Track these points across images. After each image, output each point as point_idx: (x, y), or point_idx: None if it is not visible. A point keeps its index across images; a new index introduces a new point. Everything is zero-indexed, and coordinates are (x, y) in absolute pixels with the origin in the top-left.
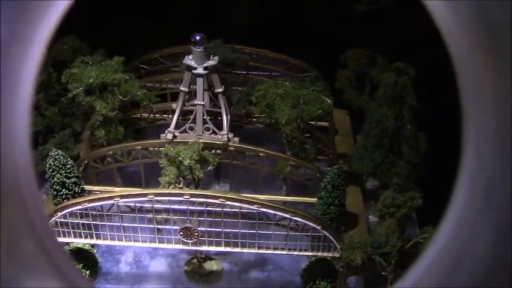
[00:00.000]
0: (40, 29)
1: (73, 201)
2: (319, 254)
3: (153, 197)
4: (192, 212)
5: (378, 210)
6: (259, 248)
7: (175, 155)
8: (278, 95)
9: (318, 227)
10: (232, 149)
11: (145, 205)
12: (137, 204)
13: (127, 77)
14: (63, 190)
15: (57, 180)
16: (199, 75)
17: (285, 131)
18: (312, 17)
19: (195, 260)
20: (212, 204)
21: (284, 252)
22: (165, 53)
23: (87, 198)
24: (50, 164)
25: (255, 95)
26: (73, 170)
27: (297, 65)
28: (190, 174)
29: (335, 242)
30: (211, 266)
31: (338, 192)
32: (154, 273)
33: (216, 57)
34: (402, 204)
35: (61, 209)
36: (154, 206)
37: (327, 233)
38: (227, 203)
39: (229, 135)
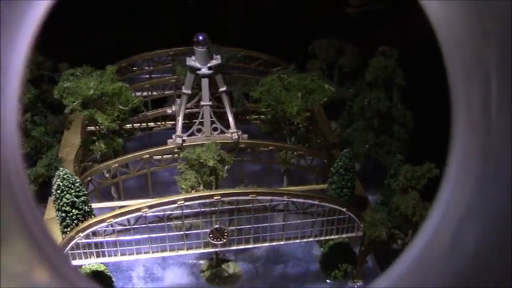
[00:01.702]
0: (24, 26)
1: (97, 219)
2: (344, 235)
3: (183, 202)
4: (221, 212)
5: (401, 184)
6: (287, 239)
7: (197, 158)
8: (284, 87)
9: (344, 209)
10: (243, 145)
11: (174, 212)
12: (166, 212)
13: (127, 85)
14: (73, 211)
15: (67, 201)
16: (204, 76)
17: (295, 122)
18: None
19: (211, 264)
20: (241, 201)
21: (311, 239)
22: (133, 60)
23: (113, 214)
24: (59, 185)
25: (258, 91)
26: (81, 188)
27: (268, 61)
28: (210, 176)
29: (358, 221)
30: (229, 267)
31: (350, 175)
32: (172, 283)
33: (219, 56)
34: (422, 176)
35: (83, 230)
36: (184, 211)
37: (352, 214)
38: (258, 198)
39: (238, 133)
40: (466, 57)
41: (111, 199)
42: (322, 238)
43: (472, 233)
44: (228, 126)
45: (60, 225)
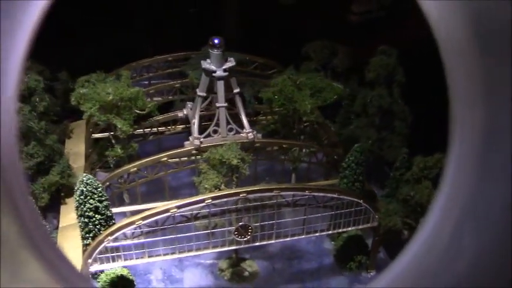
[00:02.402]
0: (23, 25)
1: (126, 222)
2: (360, 226)
3: (210, 201)
4: (246, 209)
5: (415, 174)
6: (307, 233)
7: (220, 157)
8: (296, 86)
9: (361, 201)
10: (258, 144)
11: (202, 211)
12: (193, 212)
13: (143, 90)
14: (96, 216)
15: (90, 206)
16: (220, 78)
17: (304, 120)
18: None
19: (231, 263)
20: (265, 198)
21: (329, 232)
22: (132, 67)
23: (141, 216)
24: (82, 190)
25: (270, 91)
26: (103, 193)
27: (264, 63)
28: (233, 175)
29: (373, 212)
30: (247, 265)
31: (361, 168)
32: (192, 284)
33: (232, 59)
34: (433, 166)
35: (112, 233)
36: (211, 210)
37: (368, 206)
38: (282, 193)
39: (253, 132)
40: (465, 57)
41: (122, 204)
42: (340, 230)
43: (469, 234)
44: (241, 127)
45: (82, 231)
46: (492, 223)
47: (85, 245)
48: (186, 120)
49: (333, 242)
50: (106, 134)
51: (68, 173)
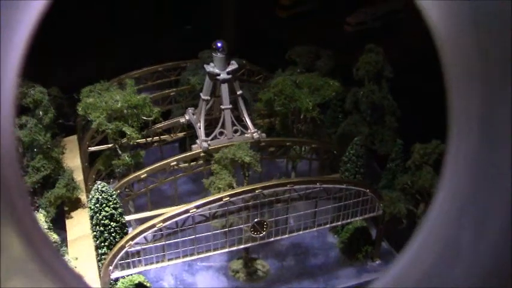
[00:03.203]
0: (20, 29)
1: (147, 225)
2: (367, 215)
3: (228, 198)
4: (261, 205)
5: (416, 161)
6: (318, 225)
7: (232, 156)
8: (296, 85)
9: (367, 191)
10: (264, 144)
11: (219, 209)
12: (212, 211)
13: (150, 97)
14: (112, 223)
15: (106, 214)
16: (224, 81)
17: (309, 116)
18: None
19: (241, 264)
20: (280, 192)
21: (339, 223)
22: (122, 79)
23: (161, 218)
24: (97, 198)
25: (270, 92)
26: (118, 201)
27: (250, 69)
28: (244, 173)
29: (378, 201)
30: (258, 264)
31: (362, 161)
32: (206, 286)
33: (234, 62)
34: (432, 152)
35: (133, 238)
36: (228, 208)
37: (374, 195)
38: (295, 187)
39: (258, 132)
40: (464, 57)
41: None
42: (349, 220)
43: (467, 237)
44: (244, 128)
45: (97, 240)
46: (489, 226)
47: (101, 255)
48: (187, 126)
49: (335, 236)
50: (104, 147)
51: (73, 185)
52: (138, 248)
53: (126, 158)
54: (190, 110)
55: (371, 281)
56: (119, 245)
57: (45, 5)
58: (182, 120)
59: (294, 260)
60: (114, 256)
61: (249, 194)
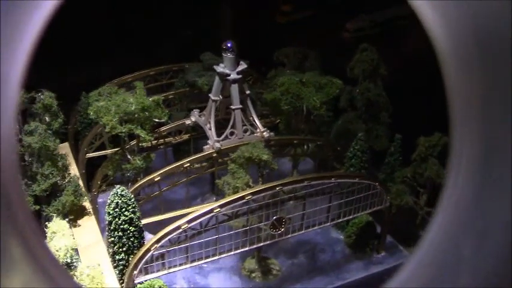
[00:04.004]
0: (28, 27)
1: (172, 227)
2: (375, 208)
3: (250, 197)
4: (281, 202)
5: (421, 154)
6: (332, 220)
7: (250, 155)
8: (302, 83)
9: (377, 184)
10: (273, 142)
11: (241, 208)
12: (234, 210)
13: (161, 98)
14: (131, 228)
15: (125, 218)
16: (234, 81)
17: (317, 114)
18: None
19: (255, 263)
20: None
21: (351, 217)
22: (114, 84)
23: (186, 219)
24: (117, 203)
25: (277, 91)
26: (135, 204)
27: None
28: (263, 172)
29: (386, 194)
30: (269, 263)
31: (366, 156)
32: (220, 285)
33: (243, 62)
34: (436, 144)
35: (158, 240)
36: (251, 206)
37: (382, 189)
38: (312, 183)
39: (267, 131)
40: (464, 61)
41: None
42: (359, 214)
43: (470, 247)
44: (253, 127)
45: (115, 246)
46: (492, 235)
47: (118, 260)
48: (191, 129)
49: (339, 231)
50: (102, 152)
51: (80, 192)
52: (162, 250)
53: (138, 161)
54: (195, 111)
55: (379, 272)
56: (144, 248)
57: (55, 5)
58: (188, 122)
59: (303, 257)
60: (139, 260)
61: (270, 192)
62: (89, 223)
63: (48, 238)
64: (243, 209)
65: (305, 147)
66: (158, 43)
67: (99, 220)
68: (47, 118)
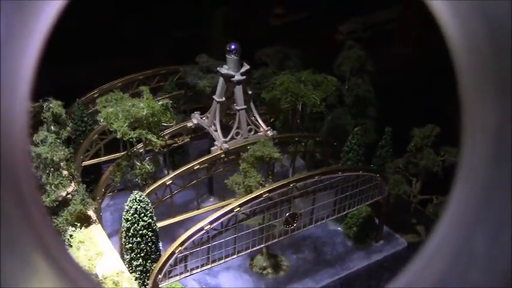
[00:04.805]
0: (38, 26)
1: (195, 229)
2: (375, 199)
3: (267, 195)
4: (293, 198)
5: (417, 144)
6: (338, 212)
7: (262, 154)
8: (301, 82)
9: (377, 175)
10: (277, 141)
11: (258, 207)
12: (252, 208)
13: (170, 102)
14: (149, 233)
15: (144, 224)
16: (239, 82)
17: (317, 111)
18: None
19: (266, 260)
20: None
21: (354, 208)
22: (103, 90)
23: (208, 220)
24: (136, 208)
25: (277, 90)
26: (152, 210)
27: None
28: (269, 169)
29: (385, 185)
30: (278, 259)
31: (363, 149)
32: (232, 284)
33: (245, 63)
34: (430, 134)
35: (182, 243)
36: (267, 203)
37: (382, 180)
38: (321, 178)
39: (270, 129)
40: (478, 60)
41: None
42: (362, 205)
43: (482, 241)
44: (256, 126)
45: (132, 252)
46: (504, 231)
47: (135, 266)
48: (193, 131)
49: (337, 224)
50: (96, 160)
51: (87, 200)
52: (186, 253)
53: (147, 165)
54: (196, 113)
55: (380, 259)
56: (168, 252)
57: (62, 6)
58: (189, 124)
59: (306, 251)
60: (164, 264)
61: (285, 189)
62: (96, 231)
63: (74, 248)
64: (260, 207)
65: (302, 144)
66: (148, 45)
67: (104, 227)
68: (52, 127)
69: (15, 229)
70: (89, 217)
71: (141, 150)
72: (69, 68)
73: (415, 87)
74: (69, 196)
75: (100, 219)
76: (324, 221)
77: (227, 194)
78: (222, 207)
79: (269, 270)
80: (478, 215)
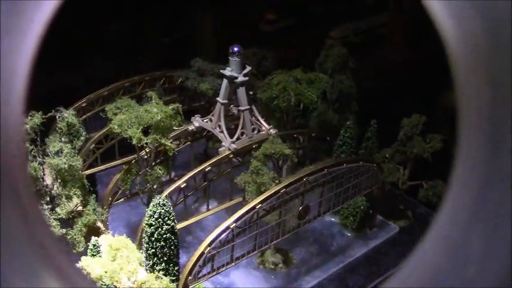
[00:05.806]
0: (33, 24)
1: (222, 228)
2: (371, 188)
3: (284, 190)
4: (305, 192)
5: (408, 133)
6: (342, 203)
7: (274, 151)
8: (297, 81)
9: (374, 165)
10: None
11: (276, 202)
12: (271, 204)
13: (180, 105)
14: (172, 237)
15: (168, 228)
16: (242, 83)
17: (314, 108)
18: None
19: (277, 256)
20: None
21: (354, 198)
22: (91, 99)
23: (232, 219)
24: (160, 213)
25: (275, 90)
26: (174, 213)
27: None
28: (279, 167)
29: (380, 174)
30: (286, 254)
31: (355, 142)
32: (244, 282)
33: (247, 65)
34: (418, 123)
35: (210, 243)
36: (284, 198)
37: (378, 170)
38: (329, 170)
39: (273, 128)
40: (474, 59)
41: None
42: (362, 194)
43: (478, 239)
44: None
45: (155, 257)
46: (501, 227)
47: (158, 271)
48: (194, 133)
49: (332, 215)
50: (95, 169)
51: (98, 210)
52: (213, 252)
53: (159, 170)
54: (196, 116)
55: (378, 245)
56: (198, 253)
57: (56, 6)
58: (191, 127)
59: (308, 243)
60: (194, 265)
61: (300, 183)
62: (108, 240)
63: (110, 257)
64: (278, 202)
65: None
66: (134, 51)
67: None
68: (62, 138)
69: (14, 229)
70: (98, 227)
71: (145, 157)
72: (51, 76)
73: (398, 88)
74: (79, 207)
75: (106, 226)
76: (329, 212)
77: (224, 195)
78: (228, 207)
79: (280, 265)
80: (474, 213)
